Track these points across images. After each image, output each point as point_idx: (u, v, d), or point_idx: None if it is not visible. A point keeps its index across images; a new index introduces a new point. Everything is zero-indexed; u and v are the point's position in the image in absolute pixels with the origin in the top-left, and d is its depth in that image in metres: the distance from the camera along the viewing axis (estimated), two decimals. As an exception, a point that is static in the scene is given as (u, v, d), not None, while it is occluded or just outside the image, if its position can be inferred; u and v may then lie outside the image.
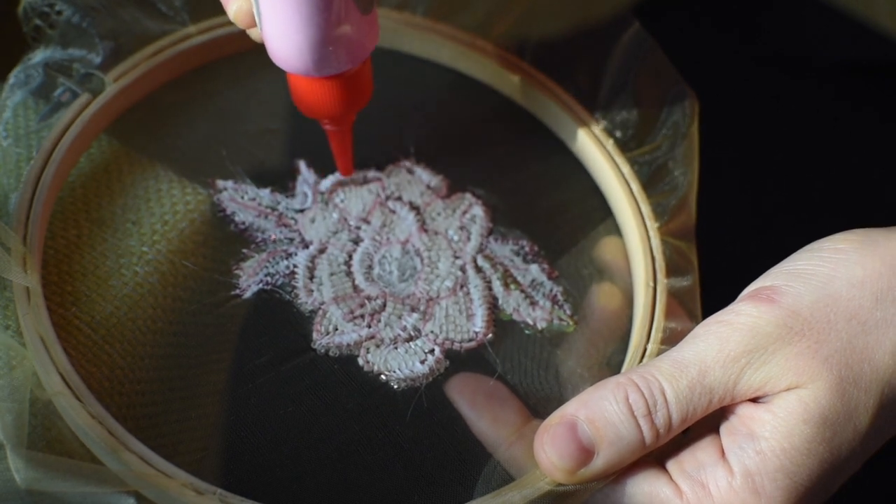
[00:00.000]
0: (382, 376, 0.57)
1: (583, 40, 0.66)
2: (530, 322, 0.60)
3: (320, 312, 0.59)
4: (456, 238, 0.62)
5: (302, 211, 0.62)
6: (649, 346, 0.57)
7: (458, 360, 0.58)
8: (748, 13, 0.87)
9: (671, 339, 0.57)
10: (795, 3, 0.87)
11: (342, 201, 0.63)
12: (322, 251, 0.61)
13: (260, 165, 0.64)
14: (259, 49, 0.67)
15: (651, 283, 0.59)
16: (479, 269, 0.61)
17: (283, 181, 0.63)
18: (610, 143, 0.64)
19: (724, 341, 0.52)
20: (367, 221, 0.62)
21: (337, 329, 0.58)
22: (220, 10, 0.66)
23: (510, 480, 0.54)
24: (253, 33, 0.57)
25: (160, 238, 0.59)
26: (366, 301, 0.59)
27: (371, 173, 0.64)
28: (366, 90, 0.57)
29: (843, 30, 0.86)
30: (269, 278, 0.60)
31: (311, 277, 0.60)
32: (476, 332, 0.59)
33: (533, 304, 0.60)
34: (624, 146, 0.64)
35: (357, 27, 0.54)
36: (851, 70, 0.84)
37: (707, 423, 0.53)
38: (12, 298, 0.55)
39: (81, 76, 0.62)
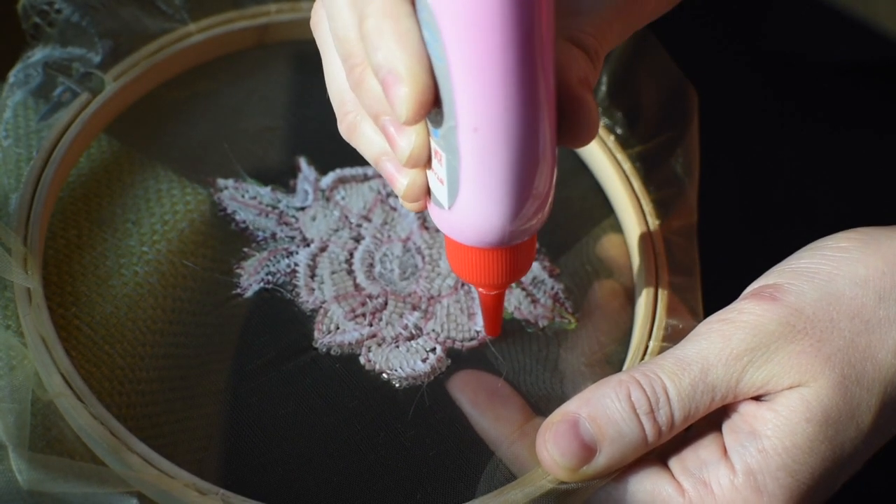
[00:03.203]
0: (384, 375, 0.57)
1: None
2: (532, 320, 0.60)
3: (321, 311, 0.59)
4: (457, 236, 0.62)
5: (303, 209, 0.62)
6: (651, 344, 0.57)
7: (460, 359, 0.58)
8: (748, 12, 0.87)
9: (673, 337, 0.57)
10: (795, 3, 0.87)
11: (343, 199, 0.63)
12: (323, 249, 0.61)
13: (260, 163, 0.64)
14: (258, 47, 0.67)
15: (652, 281, 0.59)
16: (480, 268, 0.61)
17: (283, 179, 0.63)
18: (611, 140, 0.64)
19: (726, 339, 0.52)
20: (367, 219, 0.62)
21: (338, 328, 0.58)
22: (220, 8, 0.66)
23: (512, 479, 0.54)
24: (416, 205, 0.50)
25: (160, 238, 0.59)
26: (367, 299, 0.59)
27: (372, 170, 0.64)
28: (534, 252, 0.53)
29: (843, 30, 0.86)
30: (270, 277, 0.60)
31: (313, 276, 0.60)
32: (477, 331, 0.59)
33: (534, 301, 0.60)
34: (625, 143, 0.64)
35: (552, 190, 0.49)
36: (851, 70, 0.84)
37: (709, 421, 0.53)
38: (13, 298, 0.54)
39: (81, 75, 0.62)
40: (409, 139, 0.47)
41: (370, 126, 0.50)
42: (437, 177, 0.48)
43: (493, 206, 0.47)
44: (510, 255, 0.51)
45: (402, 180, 0.49)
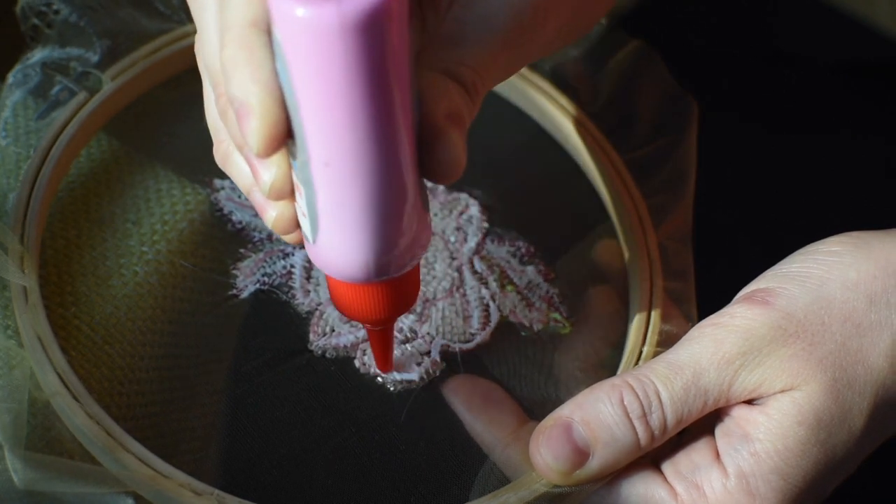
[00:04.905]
0: (379, 378, 0.57)
1: (582, 43, 0.66)
2: (526, 324, 0.60)
3: (317, 313, 0.59)
4: (453, 239, 0.62)
5: (300, 211, 0.62)
6: (645, 349, 0.57)
7: (455, 362, 0.58)
8: (749, 13, 0.87)
9: (667, 342, 0.57)
10: (796, 3, 0.87)
11: (340, 201, 0.63)
12: (320, 251, 0.61)
13: (258, 164, 0.63)
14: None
15: (647, 286, 0.60)
16: (475, 271, 0.61)
17: (281, 180, 0.63)
18: (608, 146, 0.64)
19: (718, 343, 0.52)
20: (364, 221, 0.62)
21: (334, 330, 0.58)
22: (219, 10, 0.66)
23: (506, 482, 0.54)
24: (290, 237, 0.49)
25: (160, 238, 0.59)
26: (363, 302, 0.59)
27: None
28: (416, 288, 0.52)
29: (843, 30, 0.86)
30: (266, 278, 0.60)
31: (308, 278, 0.60)
32: (472, 334, 0.59)
33: (529, 305, 0.60)
34: (621, 148, 0.64)
35: (423, 223, 0.48)
36: (851, 70, 0.84)
37: (702, 425, 0.53)
38: (11, 298, 0.55)
39: (79, 74, 0.62)
40: (271, 171, 0.45)
41: (240, 156, 0.49)
42: (300, 210, 0.47)
43: (352, 240, 0.46)
44: (384, 290, 0.49)
45: (271, 212, 0.48)
